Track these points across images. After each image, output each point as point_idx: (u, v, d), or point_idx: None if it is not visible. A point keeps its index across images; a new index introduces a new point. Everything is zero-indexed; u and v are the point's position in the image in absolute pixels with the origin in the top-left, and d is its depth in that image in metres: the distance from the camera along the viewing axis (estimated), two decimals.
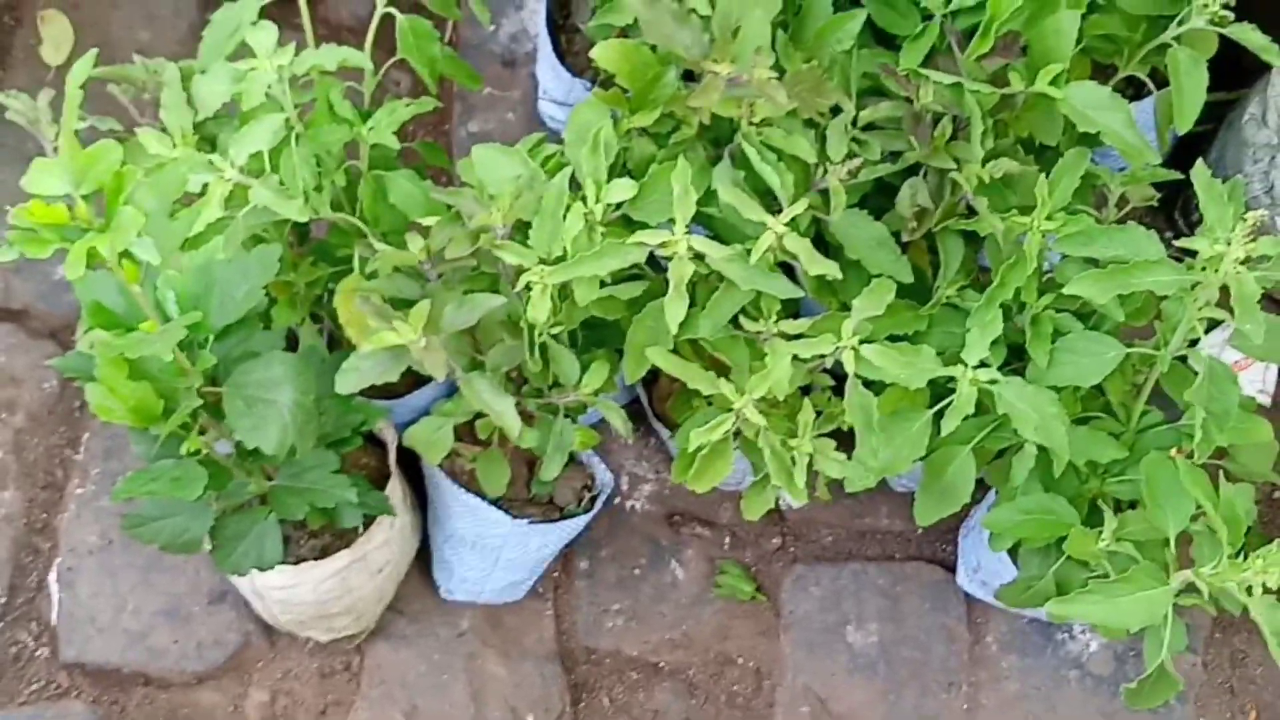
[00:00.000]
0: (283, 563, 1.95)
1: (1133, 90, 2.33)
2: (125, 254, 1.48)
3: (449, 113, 2.81)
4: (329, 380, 1.75)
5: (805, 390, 2.00)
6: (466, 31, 2.86)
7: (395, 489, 2.13)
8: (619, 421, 2.00)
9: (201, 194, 1.75)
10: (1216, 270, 1.76)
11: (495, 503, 2.17)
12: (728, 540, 2.53)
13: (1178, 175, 2.03)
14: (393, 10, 2.03)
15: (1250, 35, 2.07)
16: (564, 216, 1.78)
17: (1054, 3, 1.96)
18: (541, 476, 2.06)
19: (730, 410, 1.83)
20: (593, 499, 2.30)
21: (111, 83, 1.95)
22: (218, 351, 1.74)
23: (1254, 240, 1.74)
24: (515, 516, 2.19)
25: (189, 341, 1.69)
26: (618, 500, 2.53)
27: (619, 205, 1.83)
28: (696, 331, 1.86)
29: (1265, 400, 2.66)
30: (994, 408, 1.89)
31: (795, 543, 2.55)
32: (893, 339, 1.91)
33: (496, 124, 2.80)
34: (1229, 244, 1.74)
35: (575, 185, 1.82)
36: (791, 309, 1.94)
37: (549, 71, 2.61)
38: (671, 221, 1.76)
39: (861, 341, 1.83)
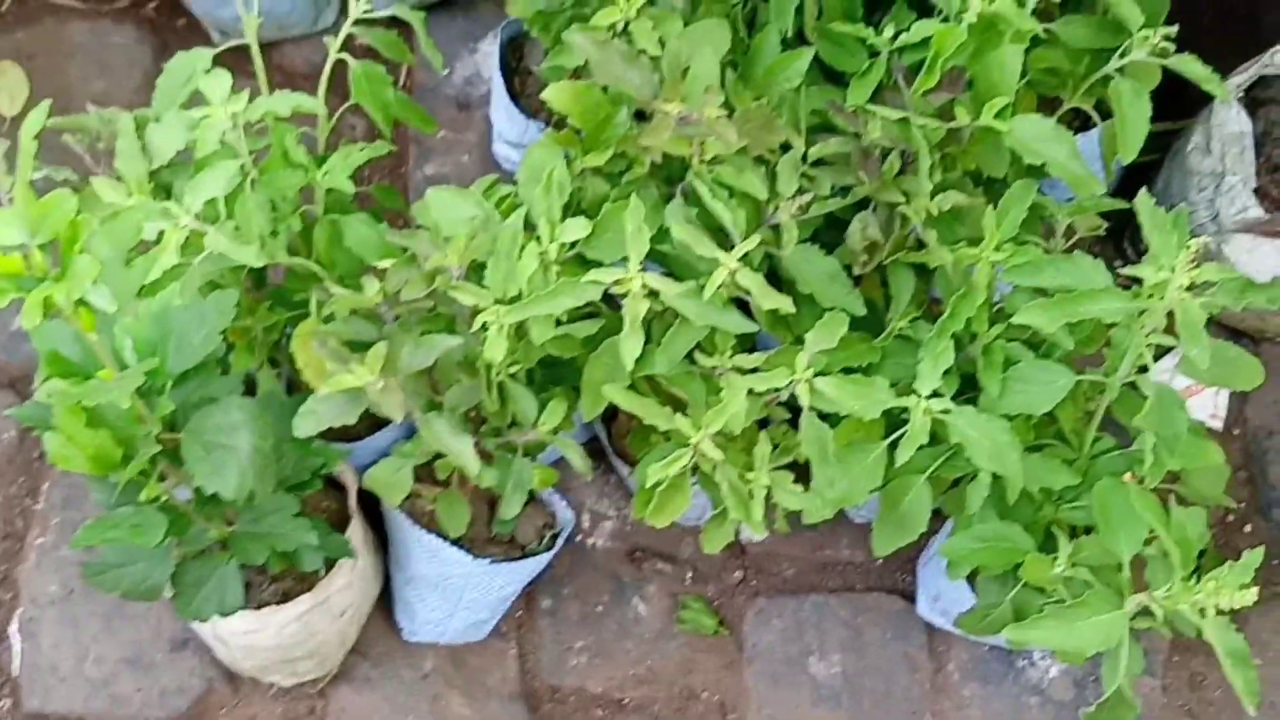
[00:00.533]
0: (244, 608, 1.95)
1: (1078, 122, 2.37)
2: (82, 302, 1.48)
3: (404, 156, 2.82)
4: (288, 424, 1.76)
5: (761, 424, 2.01)
6: (421, 75, 2.88)
7: (356, 531, 2.13)
8: (578, 459, 2.01)
9: (157, 241, 1.75)
10: (1162, 297, 1.79)
11: (456, 543, 2.18)
12: (689, 575, 2.54)
13: (1124, 204, 2.06)
14: (346, 56, 2.05)
15: (1192, 66, 2.11)
16: (519, 256, 1.80)
17: (998, 37, 1.99)
18: (502, 515, 2.06)
19: (687, 445, 1.84)
20: (554, 537, 2.30)
21: (66, 132, 1.96)
22: (176, 397, 1.74)
23: (1198, 267, 1.77)
24: (477, 556, 2.19)
25: (147, 388, 1.70)
26: (579, 538, 2.54)
27: (573, 244, 1.84)
28: (652, 368, 1.87)
29: (1217, 425, 2.69)
30: (948, 437, 1.90)
31: (756, 576, 2.56)
32: (847, 371, 1.92)
33: (452, 166, 2.82)
34: (1174, 271, 1.77)
35: (530, 225, 1.84)
36: (746, 344, 1.95)
37: (503, 114, 2.63)
38: (625, 259, 1.78)
39: (816, 374, 1.85)
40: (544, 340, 1.81)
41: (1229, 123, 2.53)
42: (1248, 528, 2.63)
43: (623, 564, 2.53)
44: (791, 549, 2.57)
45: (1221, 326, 2.74)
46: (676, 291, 1.79)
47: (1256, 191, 2.50)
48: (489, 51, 2.87)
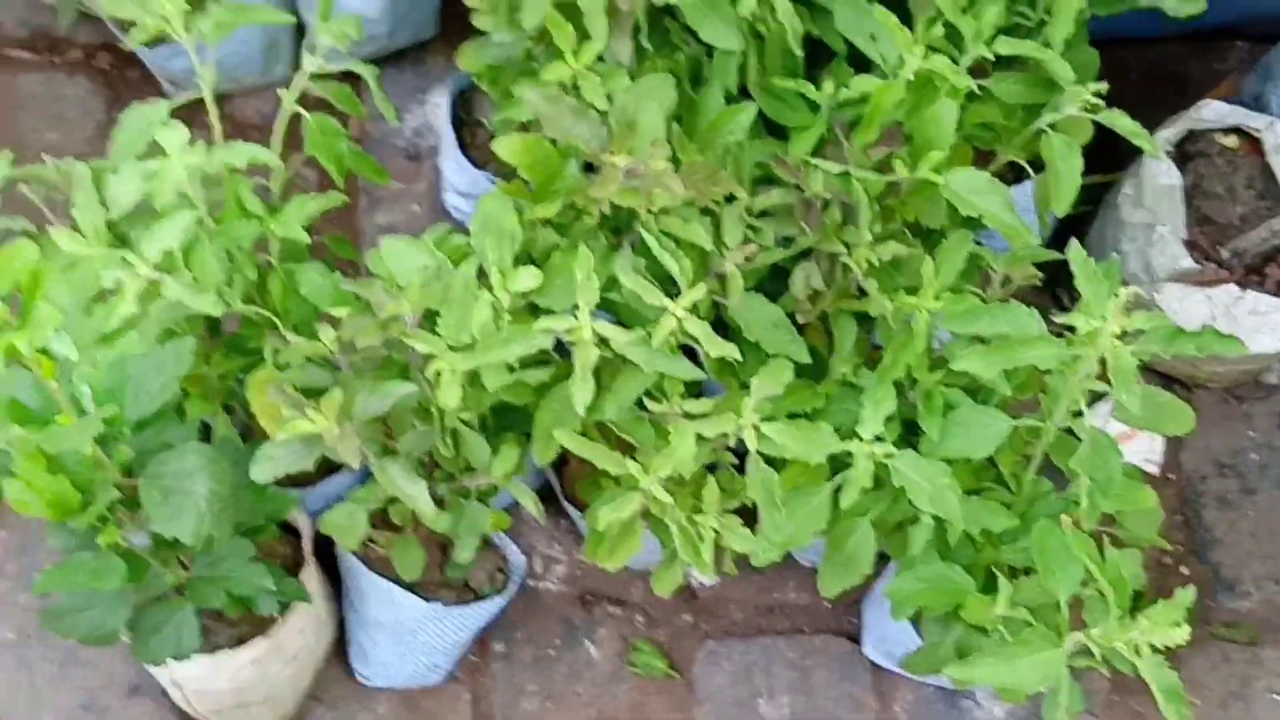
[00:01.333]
0: (199, 652, 1.97)
1: (1012, 175, 2.42)
2: (43, 350, 1.51)
3: (355, 206, 2.85)
4: (243, 470, 1.78)
5: (710, 468, 2.04)
6: (371, 126, 2.92)
7: (311, 576, 2.15)
8: (530, 503, 2.04)
9: (115, 291, 1.78)
10: (1095, 344, 1.84)
11: (410, 587, 2.20)
12: (640, 619, 2.57)
13: (1057, 255, 2.11)
14: (299, 109, 2.08)
15: (1121, 121, 2.17)
16: (472, 305, 1.83)
17: (934, 93, 2.05)
18: (456, 559, 2.09)
19: (637, 489, 1.87)
20: (506, 581, 2.33)
21: (23, 183, 1.98)
22: (134, 444, 1.76)
23: (1130, 315, 1.82)
24: (430, 600, 2.22)
25: (105, 435, 1.72)
26: (530, 582, 2.56)
27: (525, 293, 1.88)
28: (603, 413, 1.91)
29: (1153, 469, 2.75)
30: (890, 481, 1.94)
31: (706, 619, 2.59)
32: (792, 417, 1.96)
33: (402, 216, 2.85)
34: (1105, 319, 1.82)
35: (482, 274, 1.88)
36: (694, 390, 1.99)
37: (453, 164, 2.67)
38: (576, 308, 1.81)
39: (762, 420, 1.89)
40: (497, 387, 1.85)
41: (1159, 175, 2.59)
42: (1184, 569, 2.69)
43: (574, 608, 2.56)
44: (740, 593, 2.60)
45: (1156, 373, 2.80)
46: (626, 339, 1.82)
47: (1187, 243, 2.56)
48: (438, 103, 2.91)
